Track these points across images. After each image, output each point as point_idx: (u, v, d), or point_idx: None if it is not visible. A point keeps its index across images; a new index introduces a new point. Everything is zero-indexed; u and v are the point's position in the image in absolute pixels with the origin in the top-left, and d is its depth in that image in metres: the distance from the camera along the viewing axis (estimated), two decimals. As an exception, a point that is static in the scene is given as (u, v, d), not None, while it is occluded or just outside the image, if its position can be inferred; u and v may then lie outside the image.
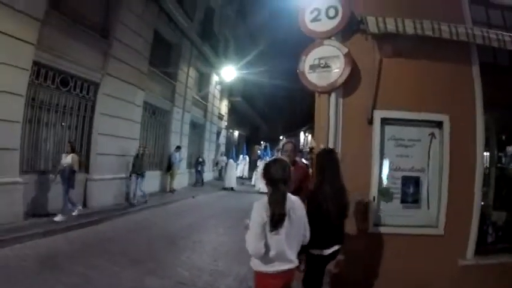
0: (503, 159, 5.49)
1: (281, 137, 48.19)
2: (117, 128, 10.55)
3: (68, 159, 7.75)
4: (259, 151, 19.44)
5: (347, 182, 3.24)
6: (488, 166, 5.14)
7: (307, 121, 30.90)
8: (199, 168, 17.38)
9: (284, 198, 2.51)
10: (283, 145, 4.54)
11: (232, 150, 19.76)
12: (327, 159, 3.29)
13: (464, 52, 4.54)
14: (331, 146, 4.26)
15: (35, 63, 7.63)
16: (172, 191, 14.08)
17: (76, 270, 5.01)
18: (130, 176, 10.63)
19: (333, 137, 4.34)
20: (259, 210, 2.49)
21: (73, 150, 7.94)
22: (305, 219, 2.71)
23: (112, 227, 8.16)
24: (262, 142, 36.83)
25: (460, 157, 4.42)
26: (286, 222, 2.48)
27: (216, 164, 21.70)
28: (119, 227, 8.13)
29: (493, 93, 4.52)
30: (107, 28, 10.20)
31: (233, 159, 18.65)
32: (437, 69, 4.52)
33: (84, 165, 9.30)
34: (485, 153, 4.81)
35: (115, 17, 10.36)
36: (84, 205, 9.22)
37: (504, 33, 4.28)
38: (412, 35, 4.19)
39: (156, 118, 14.16)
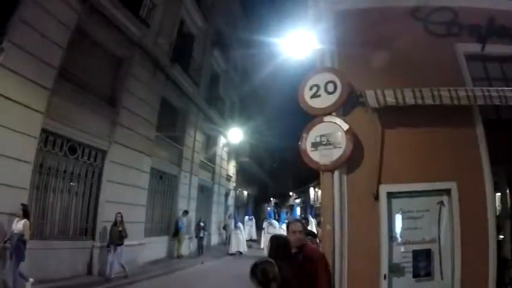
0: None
1: (291, 193, 47.72)
2: (124, 195, 10.49)
3: (19, 225, 6.57)
4: (268, 208, 18.45)
5: (356, 260, 3.10)
6: (501, 218, 4.88)
7: (316, 176, 30.64)
8: (201, 235, 15.62)
9: None
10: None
11: (236, 212, 18.80)
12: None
13: (467, 114, 4.49)
14: (337, 224, 4.12)
15: (44, 130, 7.86)
16: (180, 256, 13.62)
17: None
18: (108, 246, 9.22)
19: (338, 216, 4.22)
20: None
21: (26, 215, 6.73)
22: None
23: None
24: (272, 199, 36.34)
25: (471, 222, 4.22)
26: None
27: (224, 227, 20.51)
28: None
29: (499, 146, 4.41)
30: (115, 97, 10.58)
31: (236, 221, 17.60)
32: (440, 135, 4.47)
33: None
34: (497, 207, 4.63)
35: (122, 86, 10.78)
36: (89, 273, 9.02)
37: (505, 88, 4.25)
38: (413, 104, 4.18)
39: (163, 183, 14.11)
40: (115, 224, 9.32)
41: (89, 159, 9.42)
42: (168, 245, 13.86)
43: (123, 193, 10.45)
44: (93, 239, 9.41)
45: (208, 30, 18.15)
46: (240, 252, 16.36)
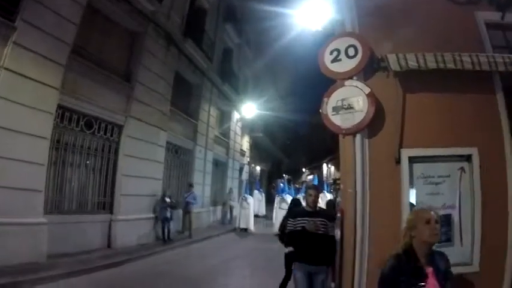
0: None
1: (304, 169, 47.91)
2: (141, 169, 10.68)
3: None
4: (281, 184, 18.19)
5: (378, 224, 3.16)
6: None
7: (329, 152, 30.70)
8: (167, 214, 11.03)
9: None
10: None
11: (246, 185, 17.86)
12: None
13: (487, 80, 4.39)
14: (358, 188, 4.12)
15: (60, 106, 7.98)
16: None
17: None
18: None
19: (360, 180, 4.20)
20: None
21: None
22: None
23: (136, 267, 8.09)
24: (284, 175, 36.53)
25: (492, 189, 4.18)
26: None
27: (223, 204, 18.54)
28: (144, 268, 8.05)
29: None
30: (130, 72, 10.62)
31: (245, 191, 16.62)
32: (462, 101, 4.36)
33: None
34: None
35: (137, 61, 10.80)
36: (109, 246, 9.31)
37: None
38: (434, 69, 4.09)
39: (179, 157, 14.29)
40: None
41: (105, 134, 9.56)
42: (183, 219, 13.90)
43: (140, 167, 10.62)
44: (111, 212, 9.64)
45: (220, 4, 17.92)
46: (245, 229, 15.09)
